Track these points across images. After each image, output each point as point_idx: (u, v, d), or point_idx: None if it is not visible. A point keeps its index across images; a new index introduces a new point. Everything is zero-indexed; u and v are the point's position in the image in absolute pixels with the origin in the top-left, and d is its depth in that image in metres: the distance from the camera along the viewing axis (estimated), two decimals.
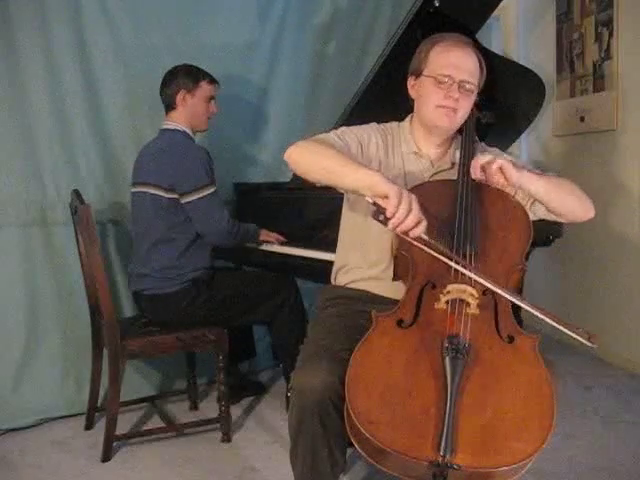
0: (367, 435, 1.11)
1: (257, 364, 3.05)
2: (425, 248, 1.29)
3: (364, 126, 1.64)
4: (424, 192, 1.45)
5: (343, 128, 1.59)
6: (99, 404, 2.52)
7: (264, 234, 2.48)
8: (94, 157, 2.69)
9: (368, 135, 1.60)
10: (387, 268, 1.50)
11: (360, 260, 1.61)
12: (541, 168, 3.34)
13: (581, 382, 2.79)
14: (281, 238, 2.48)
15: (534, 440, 1.10)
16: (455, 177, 1.50)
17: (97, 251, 2.16)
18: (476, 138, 1.64)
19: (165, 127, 2.41)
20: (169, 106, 2.42)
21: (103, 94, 2.70)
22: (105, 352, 2.34)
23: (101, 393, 2.49)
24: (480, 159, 1.41)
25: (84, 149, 2.66)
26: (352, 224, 1.66)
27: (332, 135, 1.53)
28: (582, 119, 3.14)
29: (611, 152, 2.99)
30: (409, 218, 1.22)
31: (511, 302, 1.31)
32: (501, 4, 2.74)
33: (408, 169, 1.60)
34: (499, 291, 1.28)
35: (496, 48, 3.53)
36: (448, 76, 1.50)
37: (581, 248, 3.21)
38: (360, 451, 1.16)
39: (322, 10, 3.22)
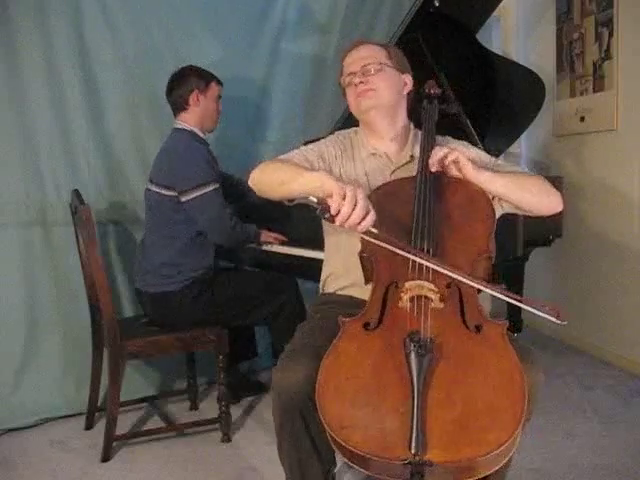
0: (339, 440, 1.11)
1: (257, 364, 3.05)
2: (380, 243, 1.29)
3: (322, 140, 1.71)
4: (386, 192, 1.46)
5: (303, 146, 1.67)
6: (99, 404, 2.51)
7: (264, 235, 2.48)
8: (94, 157, 2.69)
9: (326, 147, 1.66)
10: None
11: (341, 268, 1.63)
12: (541, 167, 3.34)
13: (581, 382, 2.78)
14: (281, 238, 2.48)
15: (506, 428, 1.09)
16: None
17: (97, 251, 2.16)
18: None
19: (176, 127, 2.44)
20: (180, 107, 2.43)
21: (103, 94, 2.70)
22: (105, 352, 2.34)
23: (101, 393, 2.49)
24: (436, 153, 1.44)
25: (84, 149, 2.66)
26: (330, 233, 1.69)
27: (292, 153, 1.61)
28: (582, 119, 3.14)
29: (611, 152, 2.99)
30: (355, 212, 1.24)
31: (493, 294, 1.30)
32: (501, 4, 2.75)
33: (369, 170, 1.63)
34: (457, 276, 1.28)
35: (496, 48, 3.53)
36: (348, 74, 1.62)
37: (581, 248, 3.21)
38: (342, 457, 1.15)
39: (322, 10, 3.22)
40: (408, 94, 1.67)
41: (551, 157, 3.47)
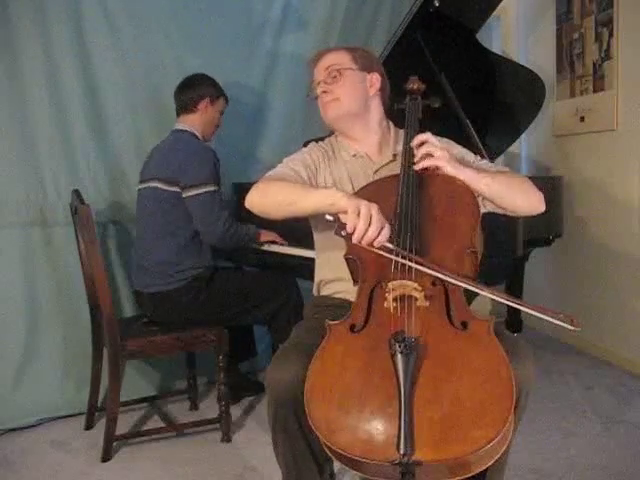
0: (328, 444, 1.10)
1: (257, 364, 3.05)
2: (381, 252, 1.28)
3: (303, 149, 1.71)
4: (369, 193, 1.45)
5: (287, 158, 1.66)
6: (99, 404, 2.52)
7: (264, 234, 2.48)
8: (94, 157, 2.69)
9: (309, 155, 1.67)
10: None
11: (332, 274, 1.63)
12: (541, 167, 3.32)
13: (581, 382, 2.78)
14: (280, 239, 2.48)
15: (494, 424, 1.08)
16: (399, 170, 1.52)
17: (97, 251, 2.16)
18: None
19: (178, 128, 2.46)
20: (187, 109, 2.48)
21: (103, 94, 2.70)
22: (105, 352, 2.34)
23: (101, 393, 2.49)
24: (417, 154, 1.46)
25: (84, 149, 2.67)
26: (320, 240, 1.69)
27: (281, 169, 1.61)
28: (582, 119, 3.14)
29: (611, 152, 2.99)
30: (370, 230, 1.24)
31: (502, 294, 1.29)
32: (501, 4, 2.74)
33: (352, 172, 1.64)
34: (447, 278, 1.27)
35: (496, 48, 3.53)
36: (313, 82, 1.65)
37: (581, 248, 3.21)
38: (336, 461, 1.15)
39: (322, 11, 3.22)
40: (381, 91, 1.67)
41: (551, 157, 3.47)
